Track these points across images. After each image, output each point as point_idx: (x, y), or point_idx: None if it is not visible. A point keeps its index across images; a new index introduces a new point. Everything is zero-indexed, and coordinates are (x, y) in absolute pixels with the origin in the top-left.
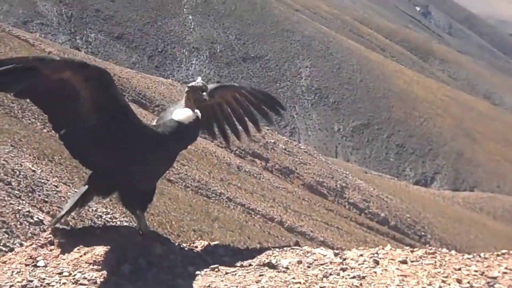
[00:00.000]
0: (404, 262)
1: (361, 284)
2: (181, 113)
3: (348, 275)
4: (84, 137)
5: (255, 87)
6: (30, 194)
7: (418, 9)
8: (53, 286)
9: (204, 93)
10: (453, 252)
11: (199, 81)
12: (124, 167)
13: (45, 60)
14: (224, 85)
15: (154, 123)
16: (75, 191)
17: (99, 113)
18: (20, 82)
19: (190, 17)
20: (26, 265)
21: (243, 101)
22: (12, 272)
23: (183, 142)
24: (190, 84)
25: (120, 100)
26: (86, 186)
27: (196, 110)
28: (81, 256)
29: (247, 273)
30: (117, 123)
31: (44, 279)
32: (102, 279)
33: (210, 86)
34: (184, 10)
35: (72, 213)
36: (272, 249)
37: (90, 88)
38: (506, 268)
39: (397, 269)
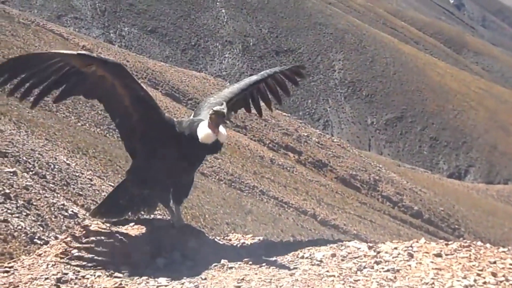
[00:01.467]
0: (438, 255)
1: (395, 277)
2: (204, 132)
3: (382, 268)
4: (121, 126)
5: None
6: (64, 187)
7: (451, 1)
8: (88, 278)
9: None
10: (488, 245)
11: (224, 107)
12: (148, 157)
13: (78, 56)
14: (268, 75)
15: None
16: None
17: (127, 104)
18: (71, 88)
19: (223, 10)
20: (61, 257)
21: (278, 77)
22: (47, 265)
23: (197, 151)
24: (215, 109)
25: (138, 90)
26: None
27: (221, 129)
28: (115, 249)
29: (281, 266)
30: (141, 114)
31: (79, 271)
32: (136, 272)
33: (255, 78)
34: (217, 3)
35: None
36: (305, 242)
37: (114, 81)
38: None
39: (432, 262)
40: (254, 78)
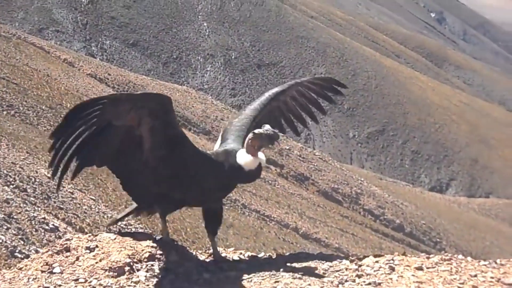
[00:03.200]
0: (420, 268)
1: None
2: (246, 159)
3: (364, 281)
4: (150, 176)
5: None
6: (45, 201)
7: (432, 15)
8: None
9: (276, 142)
10: (469, 258)
11: (268, 128)
12: (185, 195)
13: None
14: (289, 86)
15: (217, 147)
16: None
17: (159, 144)
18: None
19: (205, 24)
20: (42, 271)
21: (305, 92)
22: (28, 278)
23: (238, 181)
24: (256, 131)
25: (177, 128)
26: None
27: (260, 155)
28: (96, 262)
29: (263, 279)
30: (178, 154)
31: (60, 285)
32: (117, 286)
33: (274, 91)
34: (199, 17)
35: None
36: (287, 255)
37: (152, 118)
38: None
39: (413, 275)
40: (274, 90)
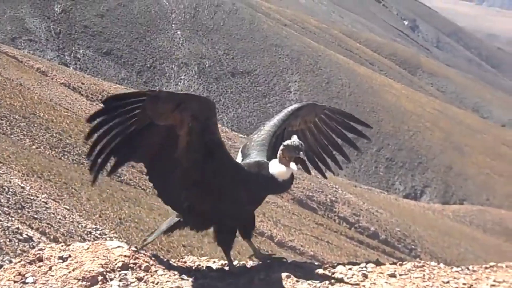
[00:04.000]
0: (392, 275)
1: None
2: (278, 169)
3: None
4: (181, 177)
5: (335, 107)
6: (19, 211)
7: (406, 23)
8: None
9: (301, 153)
10: (441, 265)
11: (295, 140)
12: (216, 205)
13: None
14: (306, 105)
15: (240, 156)
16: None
17: (195, 150)
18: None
19: (179, 32)
20: (15, 281)
21: (325, 129)
22: None
23: (271, 192)
24: (285, 143)
25: (216, 134)
26: (177, 218)
27: (292, 165)
28: (69, 272)
29: (236, 287)
30: (212, 160)
31: None
32: None
33: (292, 107)
34: (173, 25)
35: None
36: (261, 264)
37: (193, 122)
38: (494, 280)
39: (386, 282)
40: (293, 106)
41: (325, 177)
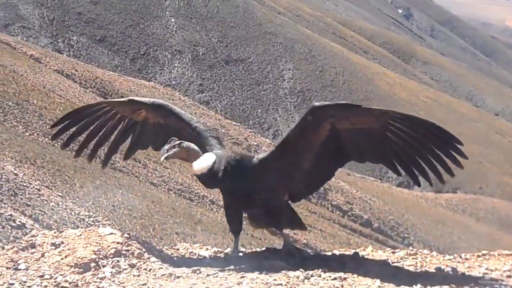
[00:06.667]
0: (385, 263)
1: (342, 286)
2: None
3: (330, 276)
4: None
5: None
6: (12, 198)
7: (400, 11)
8: None
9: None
10: (434, 253)
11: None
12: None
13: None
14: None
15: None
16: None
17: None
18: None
19: (173, 19)
20: (7, 268)
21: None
22: None
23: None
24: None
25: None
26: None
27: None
28: (62, 259)
29: (229, 275)
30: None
31: (25, 282)
32: (83, 282)
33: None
34: (167, 12)
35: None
36: (254, 251)
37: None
38: (486, 268)
39: (379, 270)
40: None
41: (419, 185)
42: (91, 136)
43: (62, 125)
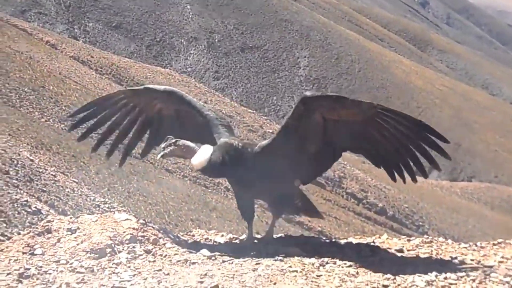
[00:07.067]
0: (400, 251)
1: (357, 273)
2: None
3: (345, 263)
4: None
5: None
6: (28, 184)
7: None
8: (50, 274)
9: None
10: (449, 241)
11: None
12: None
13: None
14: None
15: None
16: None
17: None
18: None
19: (189, 6)
20: (24, 253)
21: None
22: (10, 260)
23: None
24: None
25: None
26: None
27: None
28: (78, 244)
29: (244, 261)
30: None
31: (41, 267)
32: (99, 267)
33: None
34: None
35: None
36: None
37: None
38: (502, 257)
39: (394, 257)
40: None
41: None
42: (108, 133)
43: (80, 116)
